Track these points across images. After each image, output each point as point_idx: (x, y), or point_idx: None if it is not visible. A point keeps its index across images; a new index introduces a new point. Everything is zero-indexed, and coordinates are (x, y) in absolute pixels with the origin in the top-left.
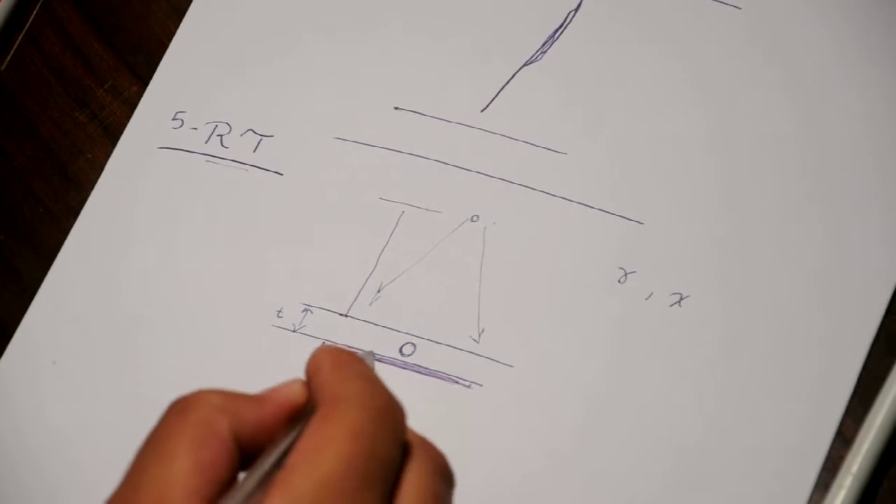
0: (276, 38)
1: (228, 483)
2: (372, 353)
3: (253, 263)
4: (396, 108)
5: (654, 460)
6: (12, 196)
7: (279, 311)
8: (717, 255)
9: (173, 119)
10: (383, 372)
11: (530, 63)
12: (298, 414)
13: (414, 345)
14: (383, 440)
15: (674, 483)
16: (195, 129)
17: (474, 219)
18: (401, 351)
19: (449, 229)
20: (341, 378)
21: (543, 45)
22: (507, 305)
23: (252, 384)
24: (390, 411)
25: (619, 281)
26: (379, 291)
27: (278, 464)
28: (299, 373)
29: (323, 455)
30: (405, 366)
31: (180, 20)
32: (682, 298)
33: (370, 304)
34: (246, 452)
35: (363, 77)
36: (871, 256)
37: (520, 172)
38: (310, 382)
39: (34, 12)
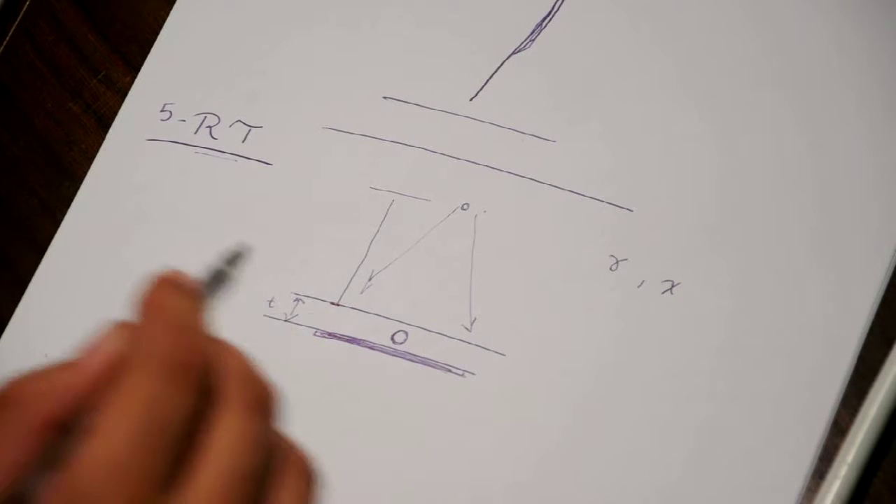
0: (264, 29)
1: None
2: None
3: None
4: (385, 98)
5: (647, 448)
6: (6, 187)
7: (270, 301)
8: (708, 243)
9: (161, 111)
10: (376, 360)
11: (518, 51)
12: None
13: (406, 333)
14: (170, 401)
15: (667, 471)
16: (184, 120)
17: (465, 207)
18: (393, 339)
19: (439, 218)
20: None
21: (531, 33)
22: (499, 294)
23: None
24: (176, 361)
25: (610, 269)
26: (370, 280)
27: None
28: (291, 363)
29: (106, 439)
30: (397, 354)
31: None
32: (673, 286)
33: (361, 293)
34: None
35: (352, 67)
36: (864, 246)
37: (509, 160)
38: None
39: (27, 3)
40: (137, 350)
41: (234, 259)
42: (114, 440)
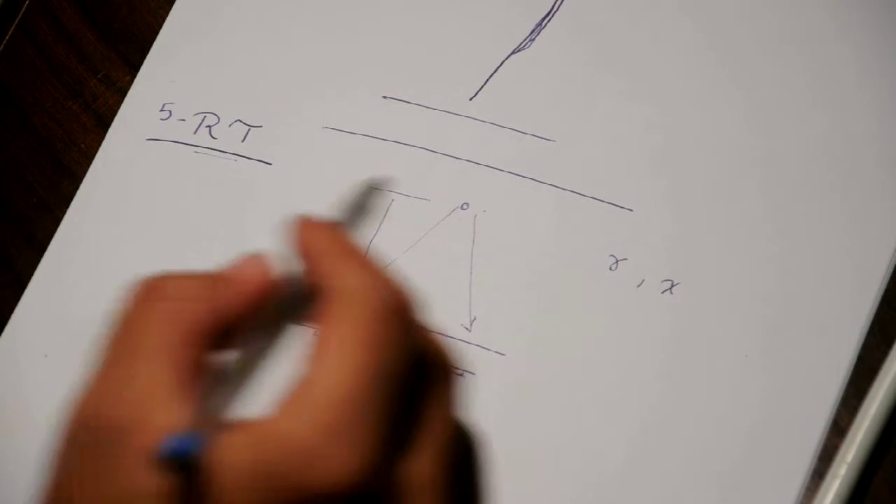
0: (263, 28)
1: (206, 377)
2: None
3: (242, 253)
4: (385, 97)
5: (646, 448)
6: (6, 186)
7: None
8: (708, 242)
9: (161, 110)
10: None
11: (518, 51)
12: (269, 292)
13: None
14: (398, 348)
15: (666, 470)
16: (183, 120)
17: (464, 207)
18: None
19: (439, 217)
20: (346, 271)
21: (531, 32)
22: (499, 294)
23: None
24: (403, 310)
25: (610, 268)
26: None
27: (261, 352)
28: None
29: (338, 370)
30: None
31: None
32: (673, 285)
33: None
34: (225, 340)
35: (351, 66)
36: (864, 246)
37: (509, 160)
38: (307, 264)
39: (27, 2)
40: (347, 286)
41: (369, 191)
42: (343, 376)
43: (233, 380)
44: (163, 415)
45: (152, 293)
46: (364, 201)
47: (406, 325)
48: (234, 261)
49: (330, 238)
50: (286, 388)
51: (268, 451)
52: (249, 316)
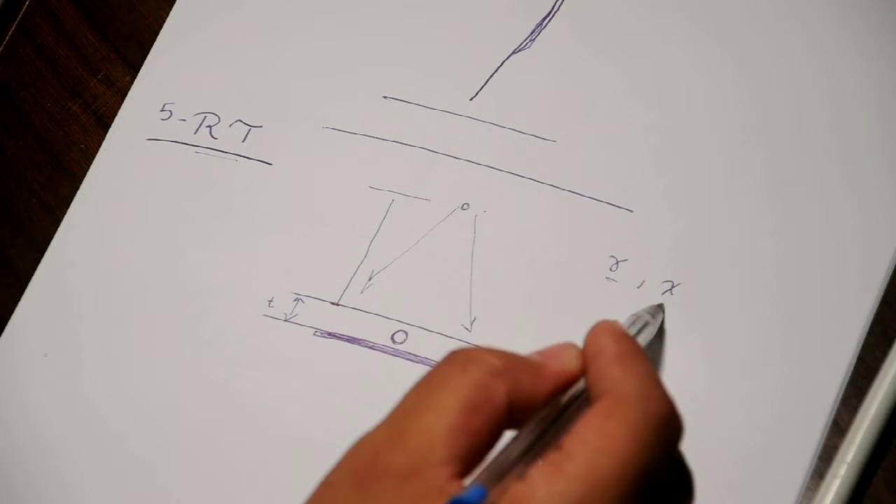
0: (264, 28)
1: (489, 449)
2: (661, 308)
3: (243, 253)
4: (385, 98)
5: None
6: (5, 187)
7: (270, 301)
8: (708, 243)
9: (161, 110)
10: (376, 360)
11: (519, 51)
12: (569, 385)
13: (406, 332)
14: (660, 453)
15: None
16: (184, 120)
17: (465, 207)
18: (392, 339)
19: (439, 217)
20: (626, 373)
21: (532, 32)
22: (499, 294)
23: (243, 374)
24: (671, 422)
25: (610, 269)
26: (370, 280)
27: (540, 438)
28: (291, 363)
29: (602, 455)
30: (397, 353)
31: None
32: (673, 286)
33: (361, 293)
34: (512, 418)
35: (351, 66)
36: (865, 246)
37: (509, 160)
38: (589, 364)
39: (27, 2)
40: (623, 388)
41: (657, 311)
42: (603, 462)
43: (506, 450)
44: (443, 469)
45: (463, 359)
46: (652, 319)
47: (670, 439)
48: (548, 349)
49: (617, 342)
50: (541, 453)
51: None
52: (542, 404)
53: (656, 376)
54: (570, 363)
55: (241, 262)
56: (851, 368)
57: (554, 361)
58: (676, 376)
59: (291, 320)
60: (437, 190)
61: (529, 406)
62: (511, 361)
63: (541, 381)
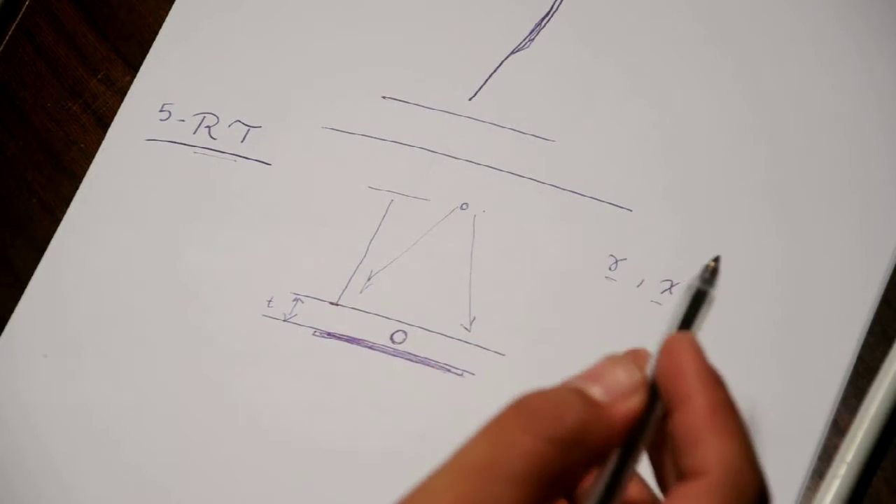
0: (263, 28)
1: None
2: (713, 270)
3: (242, 253)
4: (384, 98)
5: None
6: (5, 187)
7: (269, 301)
8: (707, 243)
9: (161, 111)
10: (375, 360)
11: (518, 51)
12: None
13: (405, 332)
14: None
15: None
16: (183, 120)
17: (464, 207)
18: (392, 339)
19: (438, 217)
20: (720, 443)
21: (531, 32)
22: (498, 294)
23: (242, 374)
24: (761, 500)
25: (609, 269)
26: (369, 279)
27: (612, 486)
28: (291, 363)
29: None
30: (396, 353)
31: None
32: (672, 285)
33: (360, 293)
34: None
35: (350, 66)
36: (864, 246)
37: (508, 160)
38: (673, 409)
39: (27, 2)
40: (730, 462)
41: (711, 275)
42: None
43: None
44: None
45: (529, 411)
46: (706, 287)
47: None
48: (609, 389)
49: (706, 389)
50: None
51: None
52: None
53: (750, 442)
54: (635, 402)
55: (240, 262)
56: (851, 368)
57: (619, 402)
58: None
59: (291, 320)
60: (437, 190)
61: (592, 447)
62: (581, 412)
63: (605, 426)
